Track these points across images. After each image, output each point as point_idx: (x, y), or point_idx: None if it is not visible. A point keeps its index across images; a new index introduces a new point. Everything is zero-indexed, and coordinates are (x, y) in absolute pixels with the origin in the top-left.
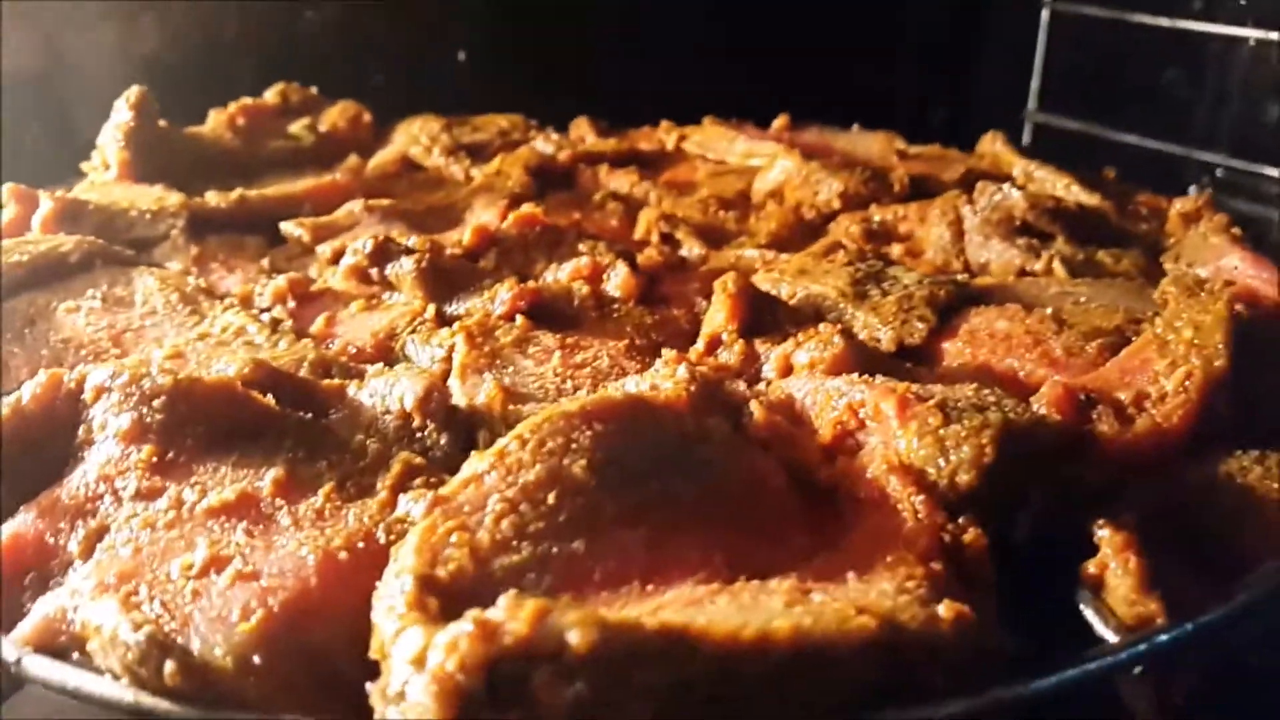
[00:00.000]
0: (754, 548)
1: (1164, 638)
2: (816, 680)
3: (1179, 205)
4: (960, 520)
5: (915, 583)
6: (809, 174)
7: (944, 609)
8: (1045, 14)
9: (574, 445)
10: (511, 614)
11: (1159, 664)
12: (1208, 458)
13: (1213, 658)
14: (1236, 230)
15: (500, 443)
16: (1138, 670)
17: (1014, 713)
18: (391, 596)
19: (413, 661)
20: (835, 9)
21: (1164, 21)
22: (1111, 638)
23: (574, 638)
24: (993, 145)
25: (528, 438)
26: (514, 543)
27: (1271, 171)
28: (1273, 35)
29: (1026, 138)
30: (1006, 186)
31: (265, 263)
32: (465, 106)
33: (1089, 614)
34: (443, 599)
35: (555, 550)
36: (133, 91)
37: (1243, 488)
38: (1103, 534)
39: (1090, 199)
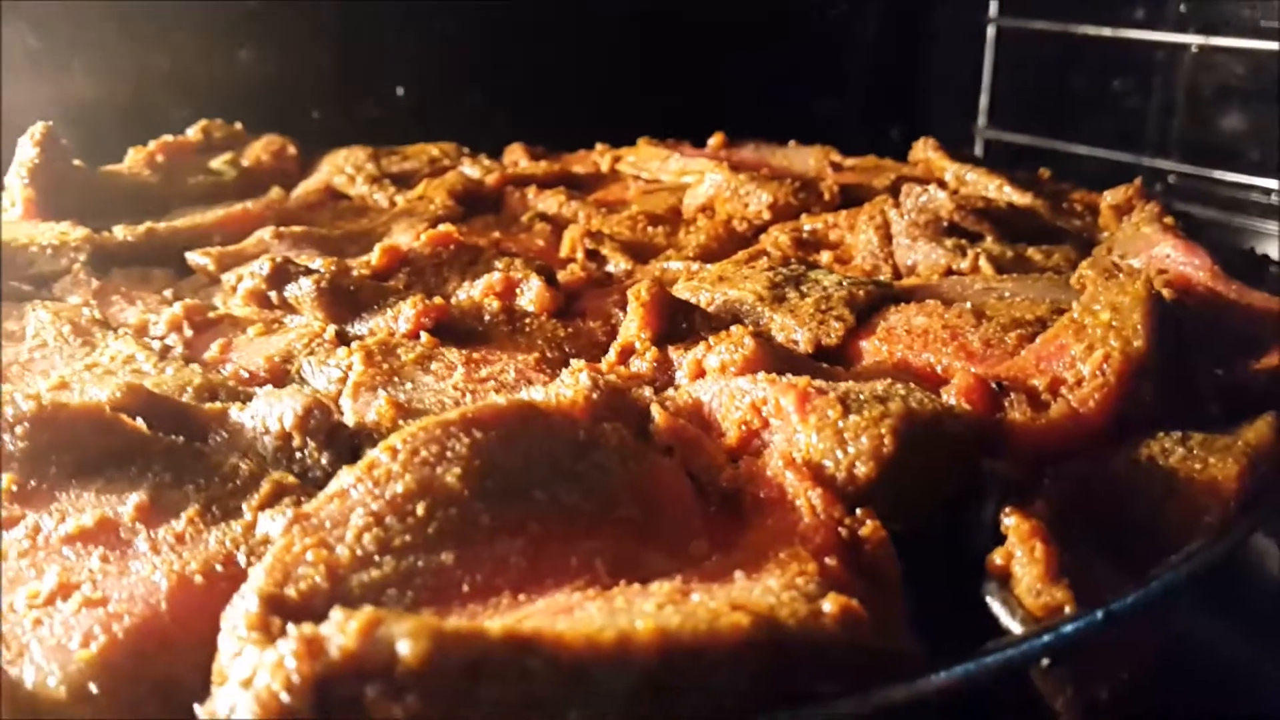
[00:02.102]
0: (644, 554)
1: (1069, 627)
2: (693, 687)
3: (1109, 197)
4: (858, 513)
5: (805, 579)
6: (738, 186)
7: (829, 604)
8: (991, 30)
9: (449, 454)
10: (340, 627)
11: (1068, 655)
12: (1130, 444)
13: (1139, 649)
14: (1169, 219)
15: (370, 454)
16: (1045, 663)
17: (916, 713)
18: (235, 618)
19: (243, 683)
20: (784, 33)
21: (1107, 31)
22: (1017, 630)
23: (405, 649)
24: (925, 152)
25: (399, 448)
26: (376, 558)
27: (1222, 175)
28: (1213, 41)
29: (978, 151)
30: (932, 188)
31: (169, 294)
32: (406, 141)
33: (995, 606)
34: (290, 619)
35: (421, 564)
36: (37, 128)
37: (1165, 470)
38: (1009, 522)
39: (1022, 198)
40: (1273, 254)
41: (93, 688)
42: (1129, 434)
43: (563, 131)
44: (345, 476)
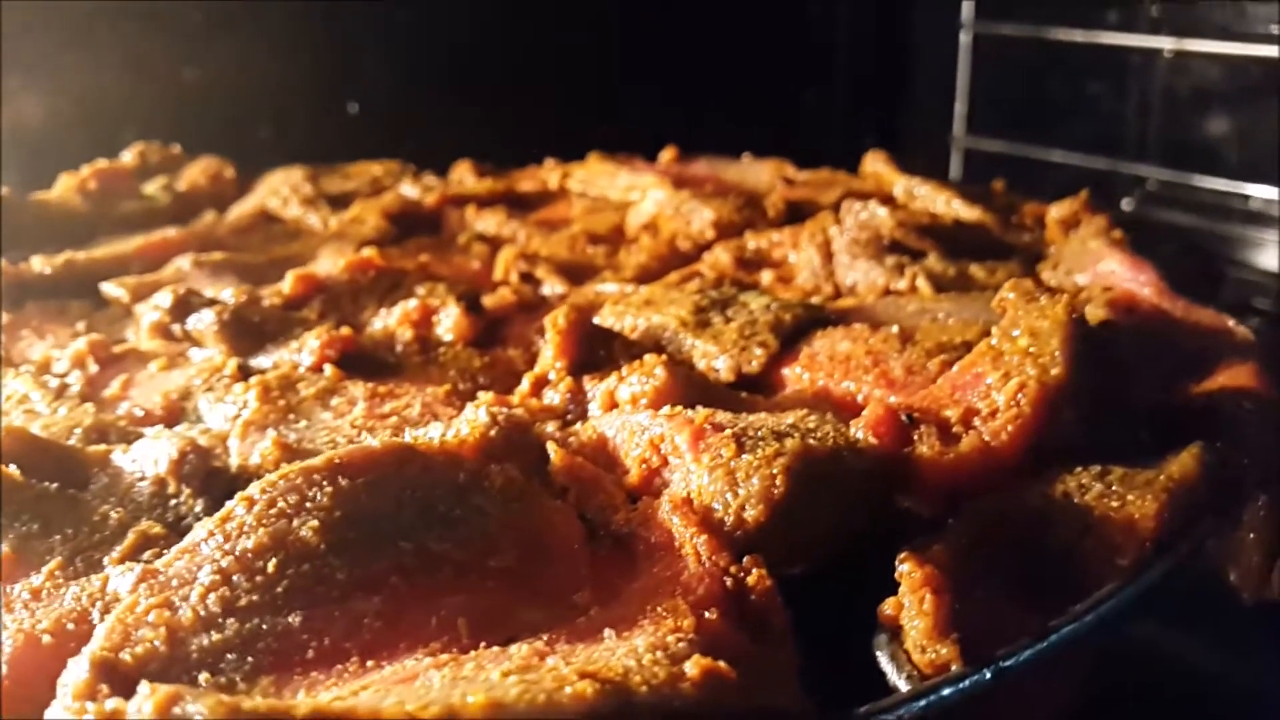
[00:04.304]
0: (516, 608)
1: (949, 689)
2: None
3: (1055, 211)
4: (745, 561)
5: (677, 637)
6: (681, 204)
7: (691, 666)
8: (965, 36)
9: (308, 504)
10: (139, 705)
11: (960, 716)
12: (1047, 477)
13: (1056, 699)
14: (1116, 233)
15: (227, 506)
16: None
17: None
18: (66, 684)
19: None
20: (760, 45)
21: (1080, 36)
22: (904, 688)
23: None
24: (874, 165)
25: (256, 499)
26: (220, 619)
27: (1201, 181)
28: (1186, 45)
29: (955, 162)
30: (872, 204)
31: (81, 327)
32: (360, 159)
33: (883, 661)
34: (123, 686)
35: (265, 626)
36: None
37: (1081, 508)
38: (903, 569)
39: (970, 212)
40: (1253, 259)
41: None
42: (1047, 467)
43: (528, 143)
44: (199, 530)
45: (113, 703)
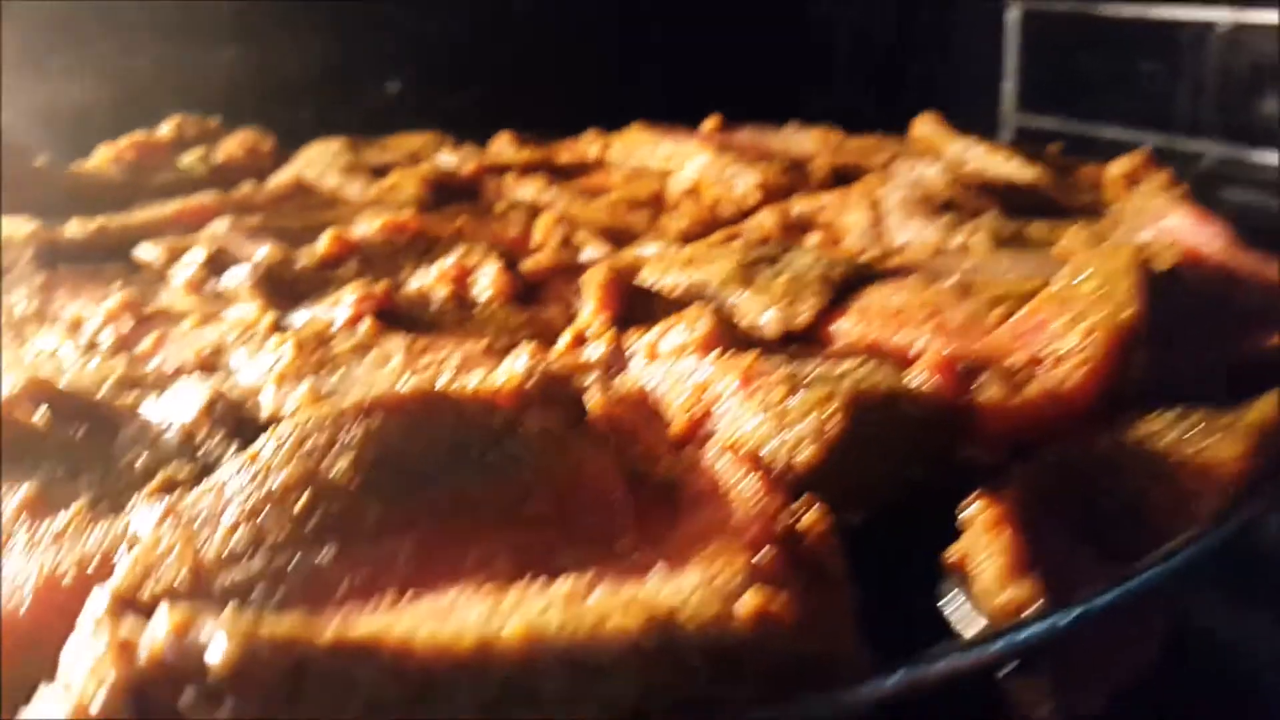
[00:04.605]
0: (558, 550)
1: (1031, 630)
2: (570, 697)
3: (1115, 168)
4: (800, 503)
5: (727, 575)
6: (724, 168)
7: (741, 605)
8: (1014, 13)
9: (340, 443)
10: (156, 627)
11: (1039, 662)
12: (1120, 423)
13: (1137, 651)
14: (1181, 189)
15: (255, 444)
16: (1009, 670)
17: None
18: (85, 619)
19: (64, 686)
20: (806, 25)
21: (1128, 10)
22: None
23: (215, 654)
24: (925, 128)
25: (285, 437)
26: (246, 556)
27: (1256, 156)
28: (1242, 17)
29: (1006, 139)
30: (925, 163)
31: (115, 288)
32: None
33: (950, 608)
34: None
35: (294, 563)
36: None
37: (1158, 453)
38: (971, 511)
39: (1027, 173)
40: None
41: None
42: (1117, 414)
43: (563, 123)
44: (225, 468)
45: (129, 626)
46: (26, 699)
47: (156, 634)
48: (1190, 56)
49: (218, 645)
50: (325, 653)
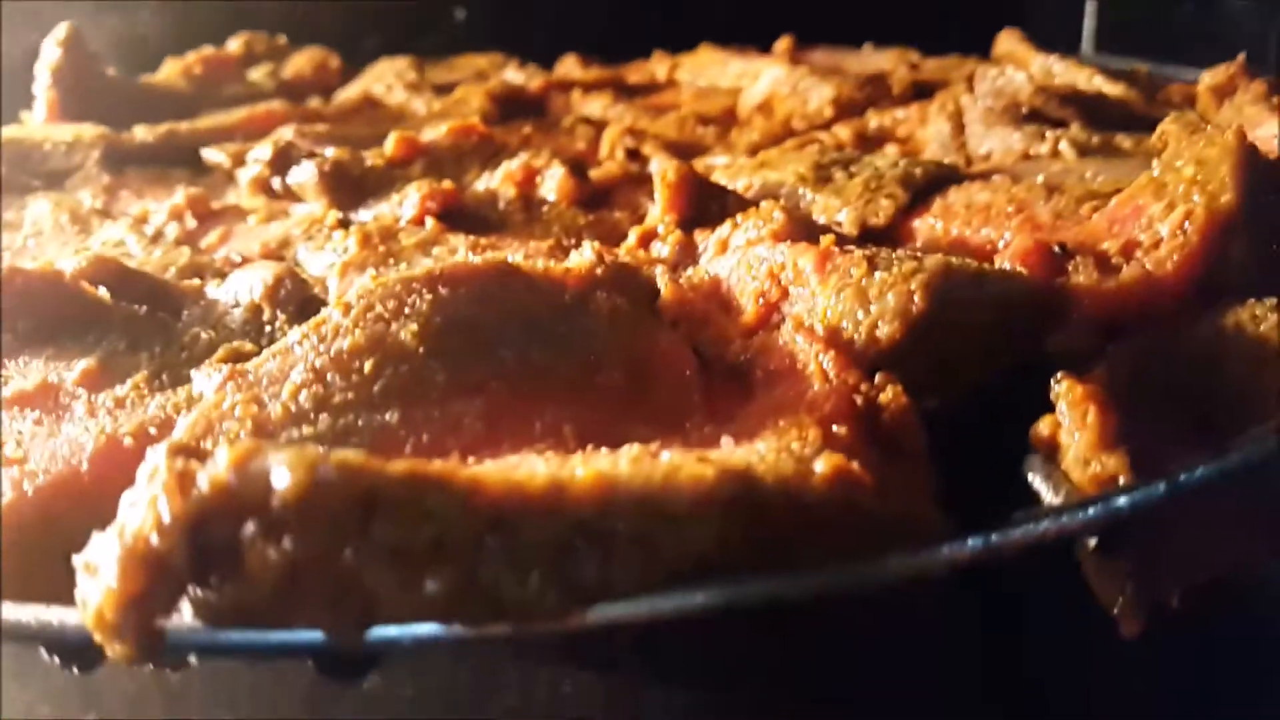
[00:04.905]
0: (626, 424)
1: (1120, 500)
2: (640, 545)
3: (1208, 78)
4: (878, 379)
5: (801, 444)
6: (798, 81)
7: (821, 463)
8: None
9: (407, 310)
10: (215, 459)
11: (1123, 540)
12: (1217, 309)
13: (1222, 546)
14: (1277, 98)
15: (323, 312)
16: (1092, 545)
17: (940, 602)
18: (141, 471)
19: (117, 528)
20: None
21: None
22: None
23: (282, 480)
24: (1008, 44)
25: (353, 304)
26: (311, 415)
27: None
28: None
29: None
30: (1010, 69)
31: (179, 188)
32: None
33: (1036, 481)
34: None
35: (361, 422)
36: (62, 28)
37: (1257, 338)
38: (1059, 388)
39: (1114, 88)
40: None
41: None
42: (1215, 301)
43: (637, 45)
44: (292, 334)
45: (185, 463)
46: (67, 551)
47: (217, 465)
48: None
49: (283, 474)
50: (398, 481)
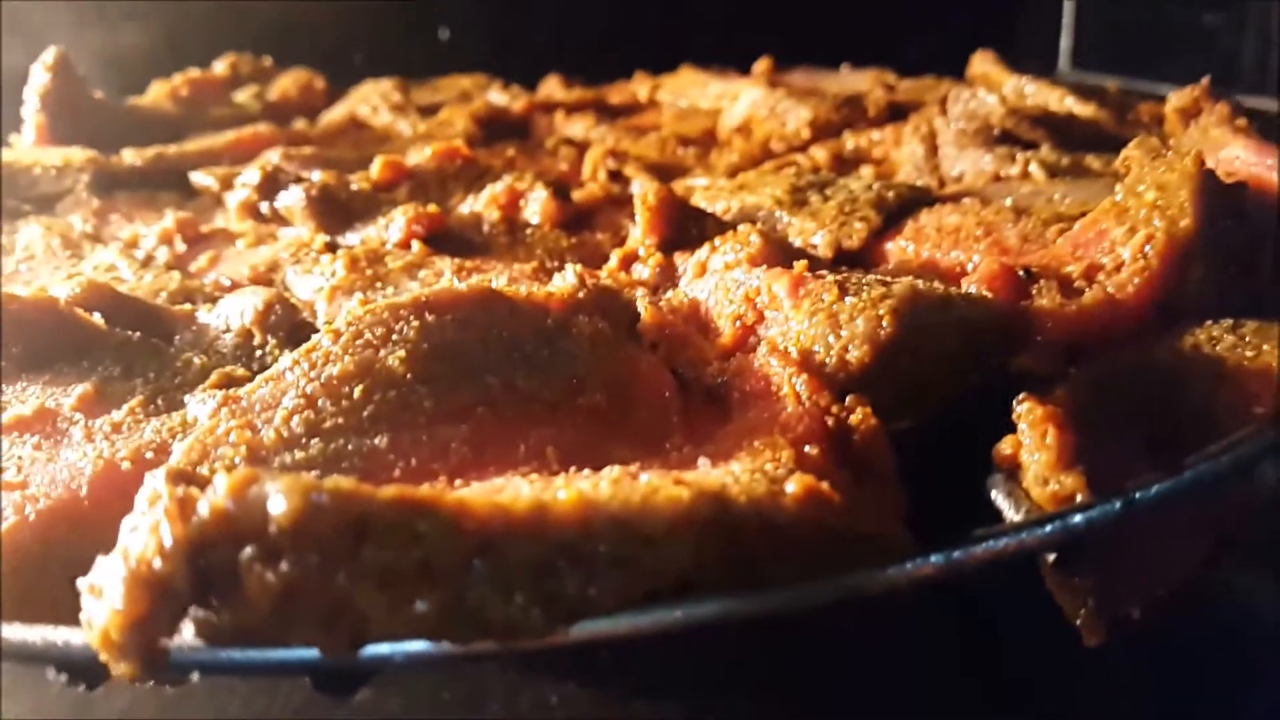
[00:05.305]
0: (607, 445)
1: (1077, 517)
2: (619, 565)
3: (1174, 100)
4: (848, 401)
5: (774, 464)
6: (776, 103)
7: (793, 484)
8: None
9: (395, 337)
10: (216, 486)
11: (1081, 556)
12: (1176, 331)
13: (1179, 560)
14: (1240, 120)
15: (313, 338)
16: (1051, 560)
17: (911, 615)
18: (141, 493)
19: (121, 551)
20: None
21: None
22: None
23: (277, 507)
24: (982, 65)
25: (343, 331)
26: (303, 439)
27: None
28: None
29: None
30: (981, 92)
31: (169, 211)
32: None
33: (998, 499)
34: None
35: (351, 446)
36: (50, 53)
37: (1213, 359)
38: (1021, 409)
39: (1084, 108)
40: None
41: None
42: (1175, 322)
43: (619, 66)
44: (284, 360)
45: (185, 489)
46: (66, 575)
47: (216, 492)
48: (1258, 10)
49: (279, 500)
50: (388, 506)
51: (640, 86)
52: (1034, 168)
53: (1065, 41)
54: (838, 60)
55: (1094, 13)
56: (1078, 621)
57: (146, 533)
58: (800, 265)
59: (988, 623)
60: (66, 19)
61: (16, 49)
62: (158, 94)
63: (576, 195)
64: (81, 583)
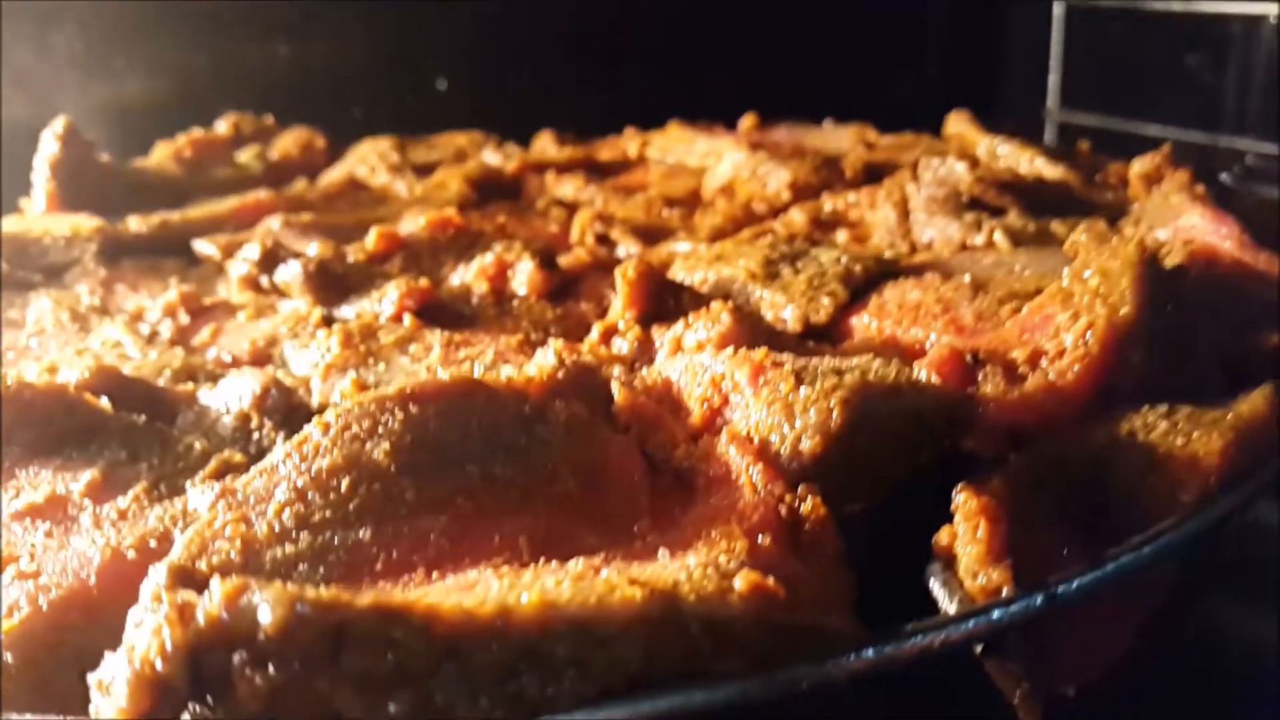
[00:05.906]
0: (578, 531)
1: (998, 612)
2: (579, 664)
3: (1137, 166)
4: (800, 490)
5: (727, 557)
6: (757, 165)
7: (740, 581)
8: (1059, 8)
9: (380, 429)
10: (212, 593)
11: (1006, 644)
12: (1115, 418)
13: (1110, 642)
14: (1199, 188)
15: (304, 430)
16: (979, 650)
17: (855, 703)
18: (146, 590)
19: (127, 650)
20: (849, 22)
21: (1178, 5)
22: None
23: (265, 616)
24: (958, 126)
25: (331, 423)
26: (293, 533)
27: None
28: None
29: (1050, 135)
30: (950, 159)
31: (174, 282)
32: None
33: (935, 589)
34: (198, 590)
35: (336, 540)
36: (59, 122)
37: (1146, 445)
38: (958, 499)
39: (1053, 171)
40: None
41: (8, 657)
42: (1115, 407)
43: (611, 117)
44: (276, 451)
45: (185, 595)
46: (94, 665)
47: (212, 601)
48: (1239, 51)
49: (266, 610)
50: (364, 614)
51: (630, 143)
52: (999, 236)
53: (1054, 79)
54: (827, 110)
55: (1082, 51)
56: (1014, 702)
57: (150, 634)
58: (761, 353)
59: (946, 697)
60: (72, 76)
61: (19, 103)
62: (162, 155)
63: (564, 260)
64: (91, 678)
